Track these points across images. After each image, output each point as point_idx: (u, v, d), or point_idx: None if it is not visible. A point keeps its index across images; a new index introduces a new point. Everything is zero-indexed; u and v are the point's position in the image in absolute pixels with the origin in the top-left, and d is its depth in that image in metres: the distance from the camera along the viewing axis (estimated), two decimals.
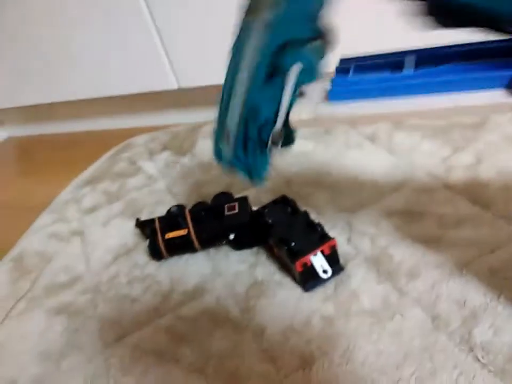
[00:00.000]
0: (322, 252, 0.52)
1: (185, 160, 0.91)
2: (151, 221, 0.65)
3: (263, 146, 0.48)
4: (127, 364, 0.52)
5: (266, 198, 0.67)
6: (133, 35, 0.96)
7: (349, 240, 0.58)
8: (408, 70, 0.36)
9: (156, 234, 0.63)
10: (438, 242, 0.54)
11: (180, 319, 0.55)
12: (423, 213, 0.59)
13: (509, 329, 0.42)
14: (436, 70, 0.34)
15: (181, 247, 0.63)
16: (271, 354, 0.48)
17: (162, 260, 0.65)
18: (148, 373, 0.50)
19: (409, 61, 0.37)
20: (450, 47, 0.34)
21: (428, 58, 0.36)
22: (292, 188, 0.72)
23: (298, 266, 0.51)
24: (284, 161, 0.79)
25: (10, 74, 1.18)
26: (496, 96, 0.32)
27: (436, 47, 0.35)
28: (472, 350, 0.42)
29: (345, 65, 0.40)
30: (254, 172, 0.51)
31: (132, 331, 0.55)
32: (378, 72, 0.39)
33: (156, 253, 0.64)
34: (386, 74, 0.37)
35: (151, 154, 0.98)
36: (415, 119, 0.78)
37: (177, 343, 0.52)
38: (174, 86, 1.02)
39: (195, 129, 1.02)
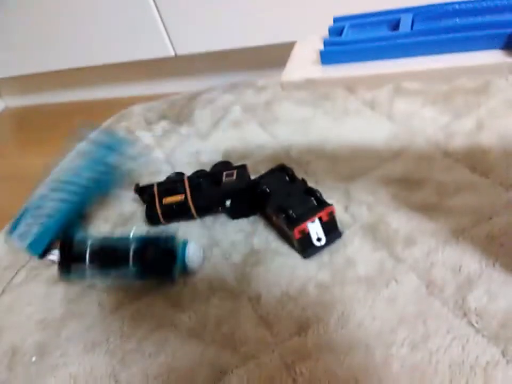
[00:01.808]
0: (320, 219, 0.52)
1: (183, 129, 0.90)
2: (150, 187, 0.65)
3: None
4: (126, 331, 0.52)
5: (265, 167, 0.67)
6: (128, 1, 0.93)
7: (346, 208, 0.58)
8: (405, 29, 0.35)
9: (154, 199, 0.63)
10: (435, 209, 0.54)
11: (177, 287, 0.55)
12: (422, 180, 0.58)
13: (503, 295, 0.43)
14: (433, 29, 0.33)
15: (178, 213, 0.63)
16: (267, 320, 0.48)
17: (160, 227, 0.65)
18: (146, 339, 0.51)
19: (405, 19, 0.36)
20: (447, 4, 0.33)
21: (425, 16, 0.35)
22: (291, 155, 0.71)
23: (296, 234, 0.51)
24: (283, 129, 0.78)
25: (5, 44, 1.15)
26: (495, 56, 0.31)
27: (433, 5, 0.34)
28: (466, 315, 0.42)
29: (339, 25, 0.39)
30: None
31: (131, 299, 0.56)
32: (373, 31, 0.37)
33: (153, 219, 0.64)
34: (382, 33, 0.36)
35: (149, 123, 0.97)
36: (415, 84, 0.76)
37: (175, 310, 0.52)
38: (171, 53, 0.99)
39: (192, 97, 1.00)
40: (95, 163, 0.68)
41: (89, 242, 0.55)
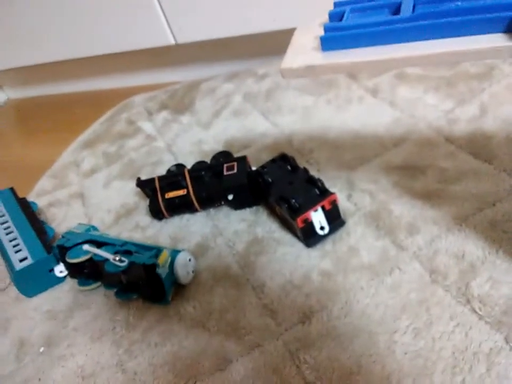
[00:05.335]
0: (323, 207, 0.52)
1: (184, 118, 0.90)
2: (151, 180, 0.65)
3: None
4: (131, 321, 0.53)
5: (267, 156, 0.67)
6: None
7: (349, 196, 0.58)
8: (406, 13, 0.34)
9: (156, 194, 0.63)
10: (438, 196, 0.54)
11: None
12: (424, 167, 0.58)
13: (506, 282, 0.43)
14: (434, 12, 0.32)
15: (180, 206, 0.63)
16: (271, 309, 0.49)
17: (164, 220, 0.65)
18: (151, 329, 0.51)
19: (407, 2, 0.35)
20: None
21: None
22: (293, 144, 0.71)
23: (299, 223, 0.51)
24: (285, 117, 0.77)
25: (6, 36, 1.15)
26: (497, 40, 0.31)
27: None
28: (469, 302, 0.42)
29: (340, 10, 0.39)
30: None
31: None
32: (374, 15, 0.37)
33: (156, 213, 0.64)
34: (383, 18, 0.35)
35: (150, 114, 0.97)
36: (417, 70, 0.75)
37: (180, 300, 0.53)
38: (171, 42, 0.99)
39: (193, 86, 1.00)
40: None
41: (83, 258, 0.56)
